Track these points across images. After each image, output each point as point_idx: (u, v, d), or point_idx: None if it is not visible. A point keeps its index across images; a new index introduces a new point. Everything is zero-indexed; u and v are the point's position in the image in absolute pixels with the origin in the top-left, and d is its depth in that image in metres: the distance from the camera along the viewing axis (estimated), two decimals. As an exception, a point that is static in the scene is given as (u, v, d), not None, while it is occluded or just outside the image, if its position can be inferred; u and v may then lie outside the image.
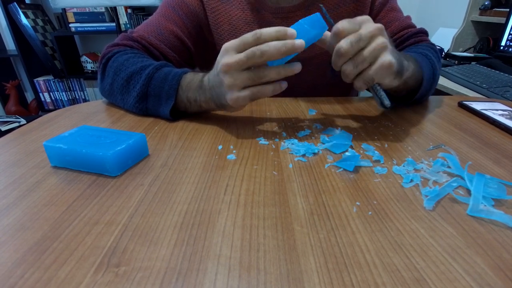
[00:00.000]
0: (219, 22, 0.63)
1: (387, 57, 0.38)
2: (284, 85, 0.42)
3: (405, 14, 0.67)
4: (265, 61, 0.39)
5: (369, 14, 0.65)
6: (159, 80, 0.48)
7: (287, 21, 0.62)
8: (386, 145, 0.41)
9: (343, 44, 0.37)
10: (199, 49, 0.66)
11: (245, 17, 0.62)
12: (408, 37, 0.64)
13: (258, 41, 0.39)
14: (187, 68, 0.50)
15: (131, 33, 0.59)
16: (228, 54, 0.40)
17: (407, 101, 0.54)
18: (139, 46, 0.58)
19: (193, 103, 0.48)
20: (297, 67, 0.40)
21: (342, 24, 0.38)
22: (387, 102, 0.41)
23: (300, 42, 0.38)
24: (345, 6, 0.63)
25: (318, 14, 0.40)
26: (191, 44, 0.63)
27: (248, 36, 0.39)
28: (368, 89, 0.42)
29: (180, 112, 0.50)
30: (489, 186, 0.31)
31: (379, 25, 0.39)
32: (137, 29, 0.61)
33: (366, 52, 0.38)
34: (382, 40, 0.38)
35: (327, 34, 0.42)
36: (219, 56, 0.42)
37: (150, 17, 0.63)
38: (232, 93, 0.42)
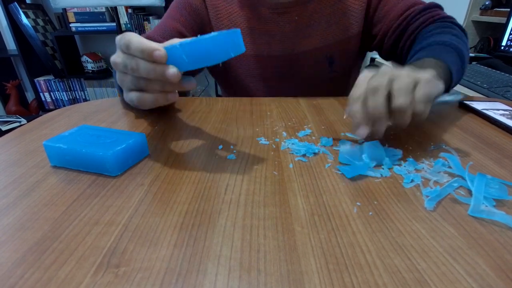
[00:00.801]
0: (220, 18, 0.66)
1: (422, 75, 0.35)
2: (172, 96, 0.35)
3: None
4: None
5: (367, 8, 0.64)
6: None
7: (284, 17, 0.63)
8: (386, 145, 0.41)
9: (401, 102, 0.33)
10: None
11: (243, 13, 0.64)
12: (415, 16, 0.58)
13: (129, 52, 0.34)
14: None
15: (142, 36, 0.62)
16: (118, 51, 0.37)
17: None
18: None
19: None
20: (189, 84, 0.34)
21: (400, 103, 0.34)
22: (453, 98, 0.36)
23: (172, 72, 0.31)
24: (341, 3, 0.63)
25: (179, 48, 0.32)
26: None
27: (124, 43, 0.34)
28: None
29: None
30: (490, 186, 0.31)
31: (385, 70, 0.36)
32: (147, 33, 0.65)
33: (398, 86, 0.34)
34: (403, 72, 0.35)
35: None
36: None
37: (159, 21, 0.68)
38: (124, 91, 0.38)
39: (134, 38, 0.33)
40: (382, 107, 0.34)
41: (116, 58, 0.36)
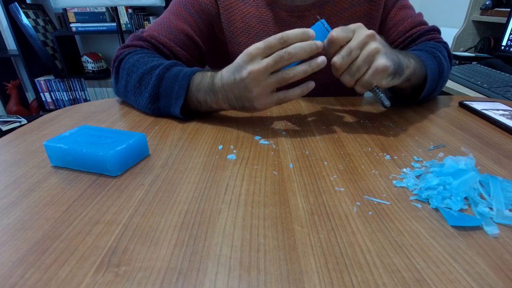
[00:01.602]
0: (232, 19, 0.62)
1: (381, 61, 0.40)
2: (311, 84, 0.43)
3: (420, 13, 0.67)
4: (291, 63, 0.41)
5: (382, 14, 0.65)
6: (169, 80, 0.48)
7: (302, 20, 0.62)
8: (386, 145, 0.41)
9: (336, 59, 0.41)
10: (210, 47, 0.65)
11: (259, 15, 0.61)
12: (420, 35, 0.63)
13: (284, 45, 0.40)
14: (197, 67, 0.50)
15: (141, 33, 0.59)
16: (255, 61, 0.41)
17: (414, 99, 0.54)
18: (149, 46, 0.57)
19: (203, 104, 0.48)
20: (321, 60, 0.41)
21: (336, 32, 0.40)
22: (387, 103, 0.43)
23: (320, 44, 0.40)
24: (359, 6, 0.63)
25: (319, 23, 0.42)
26: (202, 43, 0.63)
27: (273, 41, 0.40)
28: (369, 91, 0.44)
29: (192, 112, 0.50)
30: (507, 190, 0.30)
31: (370, 31, 0.41)
32: (147, 28, 0.60)
33: (359, 61, 0.40)
34: (373, 46, 0.40)
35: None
36: (241, 60, 0.42)
37: (161, 15, 0.62)
38: (261, 99, 0.43)
39: (288, 33, 0.40)
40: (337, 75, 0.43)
41: (256, 66, 0.40)
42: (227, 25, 0.62)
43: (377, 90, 0.43)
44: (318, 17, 0.45)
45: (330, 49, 0.42)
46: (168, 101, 0.48)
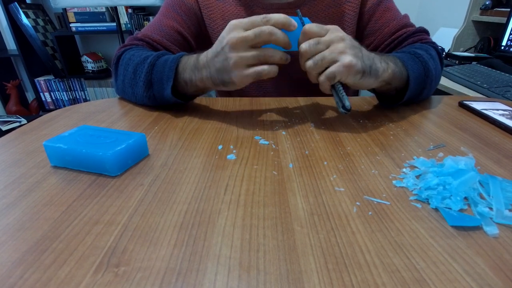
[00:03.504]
0: (213, 17, 0.66)
1: (347, 58, 0.41)
2: (288, 58, 0.44)
3: (405, 14, 0.67)
4: (270, 42, 0.42)
5: (360, 16, 0.66)
6: (160, 66, 0.50)
7: None
8: (386, 145, 0.41)
9: (303, 45, 0.42)
10: (198, 43, 0.70)
11: (237, 13, 0.65)
12: (406, 37, 0.63)
13: (266, 24, 0.41)
14: (184, 52, 0.52)
15: (136, 35, 0.64)
16: (235, 31, 0.42)
17: (398, 101, 0.53)
18: (143, 44, 0.61)
19: (189, 83, 0.49)
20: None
21: (310, 26, 0.42)
22: (348, 103, 0.43)
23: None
24: (334, 7, 0.64)
25: (296, 17, 0.43)
26: (191, 38, 0.67)
27: (257, 18, 0.41)
28: (331, 90, 0.45)
29: (184, 96, 0.52)
30: (506, 190, 0.30)
31: (343, 34, 0.43)
32: (142, 30, 0.65)
33: (325, 52, 0.42)
34: (342, 45, 0.42)
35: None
36: (224, 32, 0.43)
37: (153, 19, 0.68)
38: (238, 71, 0.43)
39: (272, 15, 0.42)
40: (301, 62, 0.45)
41: (236, 34, 0.41)
42: (208, 22, 0.67)
43: (340, 88, 0.43)
44: (298, 11, 0.47)
45: (302, 41, 0.43)
46: (161, 85, 0.50)
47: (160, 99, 0.51)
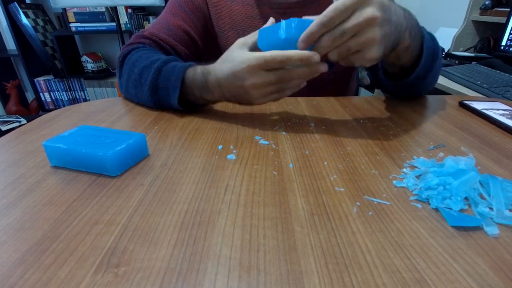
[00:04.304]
0: (220, 16, 0.66)
1: (372, 53, 0.38)
2: (303, 83, 0.45)
3: None
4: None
5: None
6: (167, 72, 0.50)
7: (285, 17, 0.63)
8: (386, 145, 0.41)
9: (327, 37, 0.37)
10: (205, 42, 0.69)
11: (245, 12, 0.65)
12: None
13: (286, 63, 0.40)
14: (192, 62, 0.52)
15: (142, 32, 0.63)
16: (256, 74, 0.42)
17: (402, 79, 0.52)
18: (150, 42, 0.61)
19: (199, 99, 0.50)
20: (323, 67, 0.41)
21: (333, 10, 0.36)
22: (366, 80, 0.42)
23: (317, 57, 0.39)
24: None
25: (292, 19, 0.41)
26: (197, 38, 0.66)
27: (276, 57, 0.40)
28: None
29: (190, 103, 0.52)
30: (507, 190, 0.30)
31: (371, 15, 0.36)
32: (147, 28, 0.65)
33: (351, 44, 0.37)
34: (370, 34, 0.36)
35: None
36: (240, 68, 0.42)
37: (159, 17, 0.67)
38: (259, 99, 0.45)
39: (271, 53, 0.40)
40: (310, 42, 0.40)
41: (257, 81, 0.42)
42: (216, 20, 0.67)
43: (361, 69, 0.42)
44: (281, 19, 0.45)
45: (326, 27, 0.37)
46: (166, 92, 0.50)
47: (165, 104, 0.51)
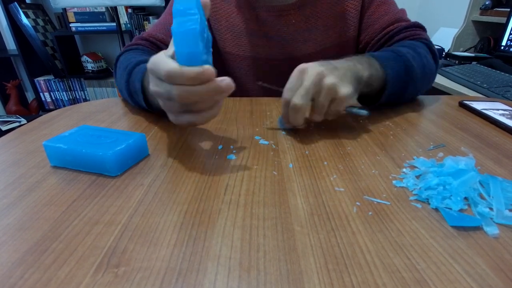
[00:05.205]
0: (218, 18, 0.66)
1: (343, 91, 0.40)
2: (221, 104, 0.36)
3: (402, 9, 0.66)
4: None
5: (361, 11, 0.64)
6: (133, 75, 0.48)
7: (281, 20, 0.64)
8: (386, 145, 0.41)
9: (296, 99, 0.39)
10: None
11: (241, 15, 0.65)
12: (398, 32, 0.61)
13: (174, 82, 0.31)
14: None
15: (142, 34, 0.64)
16: (153, 79, 0.34)
17: (377, 101, 0.52)
18: (147, 44, 0.62)
19: (157, 104, 0.40)
20: (227, 85, 0.32)
21: (294, 100, 0.39)
22: (364, 112, 0.44)
23: (226, 83, 0.31)
24: (337, 5, 0.64)
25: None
26: None
27: (165, 74, 0.31)
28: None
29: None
30: (507, 190, 0.30)
31: (316, 70, 0.40)
32: (148, 30, 0.66)
33: (321, 98, 0.40)
34: (328, 81, 0.40)
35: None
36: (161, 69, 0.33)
37: (160, 18, 0.68)
38: (170, 115, 0.36)
39: (169, 65, 0.31)
40: (301, 121, 0.42)
41: (156, 87, 0.33)
42: (214, 22, 0.67)
43: (349, 109, 0.44)
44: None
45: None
46: (136, 95, 0.48)
47: (144, 108, 0.48)
